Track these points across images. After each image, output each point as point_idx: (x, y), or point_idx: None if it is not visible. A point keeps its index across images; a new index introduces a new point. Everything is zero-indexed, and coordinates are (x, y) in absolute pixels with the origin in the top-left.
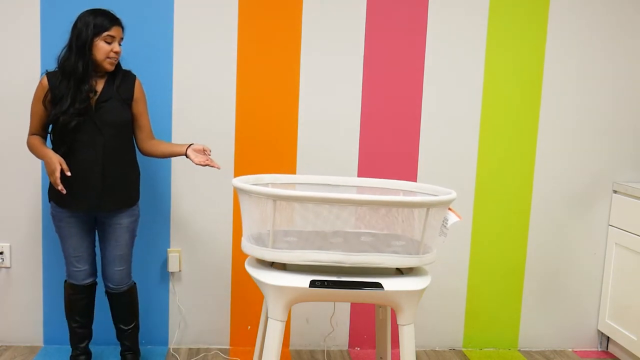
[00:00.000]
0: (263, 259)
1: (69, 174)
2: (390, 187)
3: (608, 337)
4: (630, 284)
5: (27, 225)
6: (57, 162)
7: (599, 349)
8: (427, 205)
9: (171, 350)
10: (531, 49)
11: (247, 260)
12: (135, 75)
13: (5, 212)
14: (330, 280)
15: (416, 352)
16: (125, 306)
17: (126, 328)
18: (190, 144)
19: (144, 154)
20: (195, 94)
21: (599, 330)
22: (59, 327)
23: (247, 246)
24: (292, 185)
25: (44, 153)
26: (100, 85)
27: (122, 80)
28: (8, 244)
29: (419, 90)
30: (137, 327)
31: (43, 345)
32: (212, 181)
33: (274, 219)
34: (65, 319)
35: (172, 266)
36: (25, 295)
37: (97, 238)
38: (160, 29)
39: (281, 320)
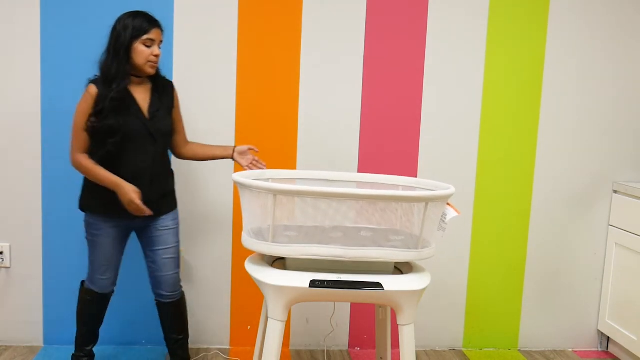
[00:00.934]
0: (263, 253)
1: (149, 213)
2: (389, 183)
3: (608, 337)
4: (630, 284)
5: (27, 225)
6: (132, 191)
7: (599, 349)
8: (426, 200)
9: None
10: (531, 49)
11: (247, 260)
12: (172, 82)
13: (5, 212)
14: (330, 280)
15: (416, 352)
16: (180, 315)
17: (180, 337)
18: (235, 146)
19: (182, 157)
20: (195, 93)
21: (599, 330)
22: (59, 327)
23: (247, 240)
24: (292, 180)
25: (110, 180)
26: (147, 95)
27: (163, 88)
28: (8, 244)
29: (419, 90)
30: (188, 336)
31: (43, 345)
32: (212, 181)
33: (274, 213)
34: (72, 320)
35: None
36: (25, 295)
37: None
38: None
39: (281, 320)
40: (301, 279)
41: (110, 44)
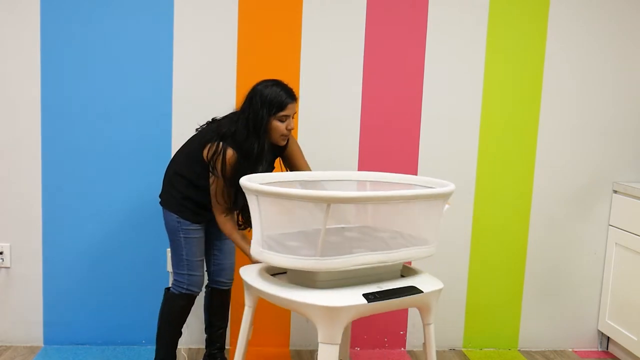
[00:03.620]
0: (313, 270)
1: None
2: (388, 181)
3: (608, 337)
4: (630, 284)
5: (27, 225)
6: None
7: (599, 349)
8: (430, 197)
9: None
10: (531, 49)
11: (255, 276)
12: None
13: (5, 212)
14: (381, 291)
15: (416, 352)
16: (227, 304)
17: (223, 326)
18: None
19: None
20: (195, 93)
21: (599, 330)
22: (59, 327)
23: (278, 257)
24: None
25: (242, 247)
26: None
27: (281, 147)
28: (8, 244)
29: (419, 89)
30: (227, 326)
31: (43, 345)
32: None
33: (325, 225)
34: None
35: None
36: (25, 295)
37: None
38: (160, 29)
39: (338, 344)
40: (353, 296)
41: (248, 118)
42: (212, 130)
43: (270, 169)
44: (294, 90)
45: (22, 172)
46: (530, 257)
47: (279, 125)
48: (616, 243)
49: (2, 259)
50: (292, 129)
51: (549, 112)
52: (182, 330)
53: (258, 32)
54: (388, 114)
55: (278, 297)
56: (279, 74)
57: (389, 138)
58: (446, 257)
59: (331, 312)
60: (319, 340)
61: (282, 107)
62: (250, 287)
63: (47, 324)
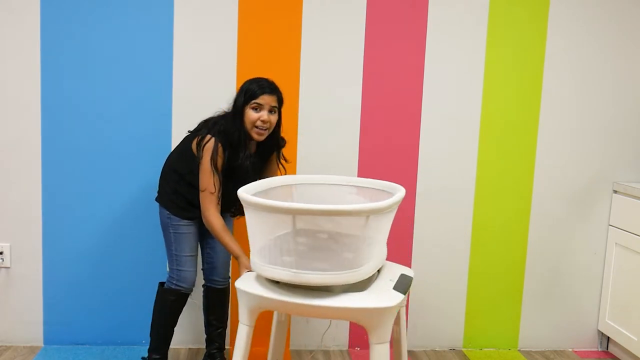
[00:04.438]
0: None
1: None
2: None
3: (608, 337)
4: (630, 284)
5: (27, 225)
6: (247, 268)
7: (599, 349)
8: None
9: (171, 350)
10: (531, 49)
11: (263, 290)
12: (277, 148)
13: (5, 212)
14: (398, 282)
15: (416, 352)
16: (224, 303)
17: (220, 325)
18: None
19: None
20: (195, 93)
21: (599, 330)
22: (59, 327)
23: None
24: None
25: (233, 250)
26: (252, 149)
27: (264, 150)
28: (8, 244)
29: (419, 89)
30: (227, 326)
31: (43, 345)
32: None
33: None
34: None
35: None
36: (25, 295)
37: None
38: (160, 29)
39: (388, 342)
40: (391, 294)
41: (231, 108)
42: (202, 125)
43: (255, 175)
44: (278, 87)
45: (22, 172)
46: (530, 257)
47: (251, 114)
48: (616, 243)
49: (2, 259)
50: (268, 121)
51: (549, 112)
52: (181, 328)
53: (258, 32)
54: (388, 114)
55: (316, 307)
56: (279, 74)
57: (389, 138)
58: (446, 257)
59: (383, 312)
60: (373, 342)
61: (255, 95)
62: (258, 298)
63: (47, 324)
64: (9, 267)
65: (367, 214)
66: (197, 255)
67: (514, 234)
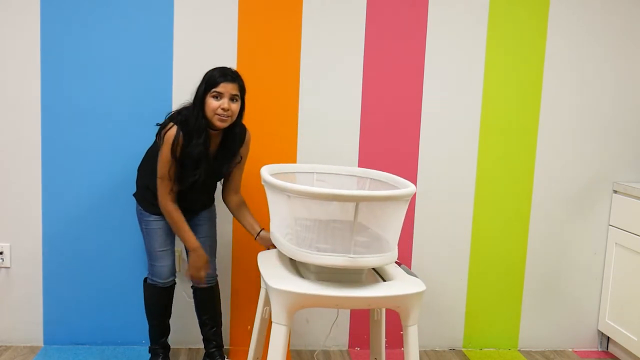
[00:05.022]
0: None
1: (204, 284)
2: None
3: (608, 337)
4: (630, 284)
5: (27, 225)
6: (204, 261)
7: (599, 349)
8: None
9: (171, 350)
10: (531, 49)
11: (306, 287)
12: (246, 132)
13: (5, 212)
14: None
15: None
16: (214, 301)
17: (213, 324)
18: (261, 230)
19: (224, 201)
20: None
21: (599, 330)
22: (59, 327)
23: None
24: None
25: (189, 241)
26: (217, 141)
27: (233, 139)
28: (8, 244)
29: (419, 90)
30: (221, 324)
31: (43, 345)
32: None
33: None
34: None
35: None
36: (25, 295)
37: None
38: (160, 29)
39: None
40: (416, 281)
41: (195, 94)
42: (168, 116)
43: (220, 171)
44: (240, 75)
45: (22, 172)
46: (530, 257)
47: (212, 102)
48: (616, 243)
49: (2, 259)
50: (229, 109)
51: (549, 112)
52: (181, 328)
53: (258, 32)
54: (388, 114)
55: (360, 298)
56: (279, 74)
57: (389, 138)
58: (446, 256)
59: (418, 296)
60: (408, 324)
61: (215, 84)
62: (298, 296)
63: (47, 324)
64: (9, 267)
65: (408, 198)
66: (171, 250)
67: (514, 234)
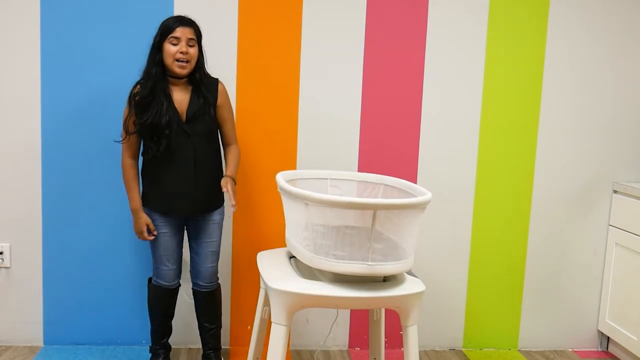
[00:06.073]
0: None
1: (152, 237)
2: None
3: (608, 337)
4: (630, 284)
5: (27, 225)
6: (143, 223)
7: (599, 349)
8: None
9: (171, 350)
10: (531, 49)
11: (305, 287)
12: (217, 82)
13: (5, 212)
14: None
15: None
16: (214, 304)
17: (212, 327)
18: (226, 176)
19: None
20: None
21: (599, 330)
22: (59, 327)
23: (338, 263)
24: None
25: (132, 200)
26: (186, 96)
27: (207, 88)
28: (8, 244)
29: (419, 90)
30: (220, 326)
31: (43, 345)
32: None
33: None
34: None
35: None
36: (25, 295)
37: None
38: None
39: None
40: (417, 282)
41: (152, 43)
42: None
43: (200, 122)
44: (194, 20)
45: (22, 173)
46: (530, 257)
47: (170, 48)
48: (616, 243)
49: (2, 259)
50: (187, 53)
51: (549, 112)
52: (181, 328)
53: (258, 32)
54: (388, 114)
55: (362, 298)
56: (279, 74)
57: (389, 138)
58: (446, 257)
59: (419, 296)
60: (408, 324)
61: (170, 29)
62: (299, 296)
63: (47, 324)
64: (9, 267)
65: (425, 205)
66: (173, 255)
67: (514, 234)
